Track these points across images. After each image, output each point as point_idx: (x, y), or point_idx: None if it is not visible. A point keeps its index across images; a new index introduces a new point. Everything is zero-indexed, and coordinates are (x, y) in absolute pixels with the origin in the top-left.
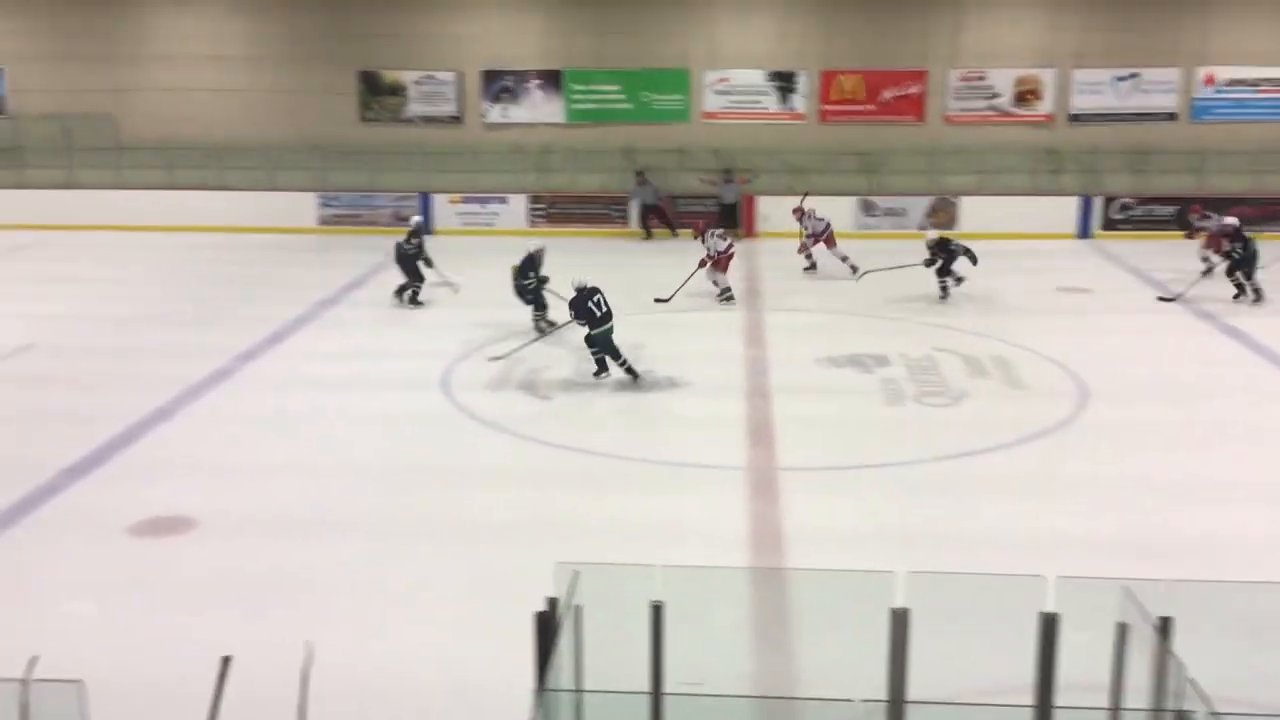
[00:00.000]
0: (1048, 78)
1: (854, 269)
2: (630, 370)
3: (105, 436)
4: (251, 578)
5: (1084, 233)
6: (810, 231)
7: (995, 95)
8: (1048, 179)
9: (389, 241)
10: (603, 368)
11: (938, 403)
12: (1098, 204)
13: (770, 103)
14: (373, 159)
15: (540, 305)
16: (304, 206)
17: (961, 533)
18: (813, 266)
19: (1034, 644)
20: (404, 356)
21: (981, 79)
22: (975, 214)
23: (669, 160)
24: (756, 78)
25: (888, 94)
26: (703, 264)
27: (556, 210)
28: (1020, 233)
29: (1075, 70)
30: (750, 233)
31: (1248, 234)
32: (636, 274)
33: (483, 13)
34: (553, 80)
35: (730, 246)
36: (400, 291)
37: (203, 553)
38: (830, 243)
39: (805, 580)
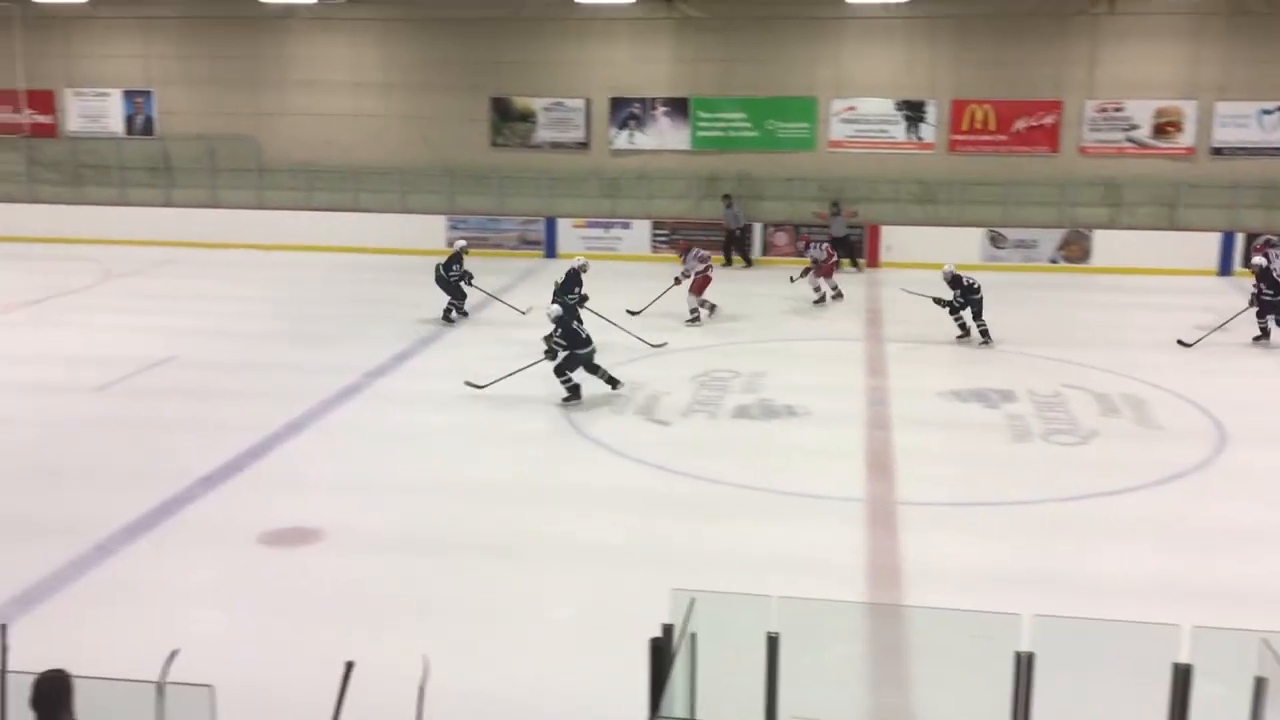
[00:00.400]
0: (1189, 110)
1: (840, 295)
2: (611, 380)
3: (239, 448)
4: (374, 591)
5: (1224, 269)
6: (811, 258)
7: (1133, 127)
8: (1186, 213)
9: (515, 264)
10: (575, 395)
11: (1066, 441)
12: (1239, 240)
13: (898, 132)
14: (501, 183)
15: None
16: (434, 229)
17: (1088, 577)
18: (822, 299)
19: (1166, 696)
20: (529, 375)
21: (1119, 110)
22: (1108, 248)
23: (794, 188)
24: (884, 106)
25: (1020, 124)
26: (677, 281)
27: (679, 236)
28: (1155, 268)
29: (1218, 103)
30: (873, 263)
31: None
32: (758, 302)
33: (612, 41)
34: (679, 107)
35: (708, 269)
36: (446, 314)
37: (329, 565)
38: (828, 273)
39: (925, 618)
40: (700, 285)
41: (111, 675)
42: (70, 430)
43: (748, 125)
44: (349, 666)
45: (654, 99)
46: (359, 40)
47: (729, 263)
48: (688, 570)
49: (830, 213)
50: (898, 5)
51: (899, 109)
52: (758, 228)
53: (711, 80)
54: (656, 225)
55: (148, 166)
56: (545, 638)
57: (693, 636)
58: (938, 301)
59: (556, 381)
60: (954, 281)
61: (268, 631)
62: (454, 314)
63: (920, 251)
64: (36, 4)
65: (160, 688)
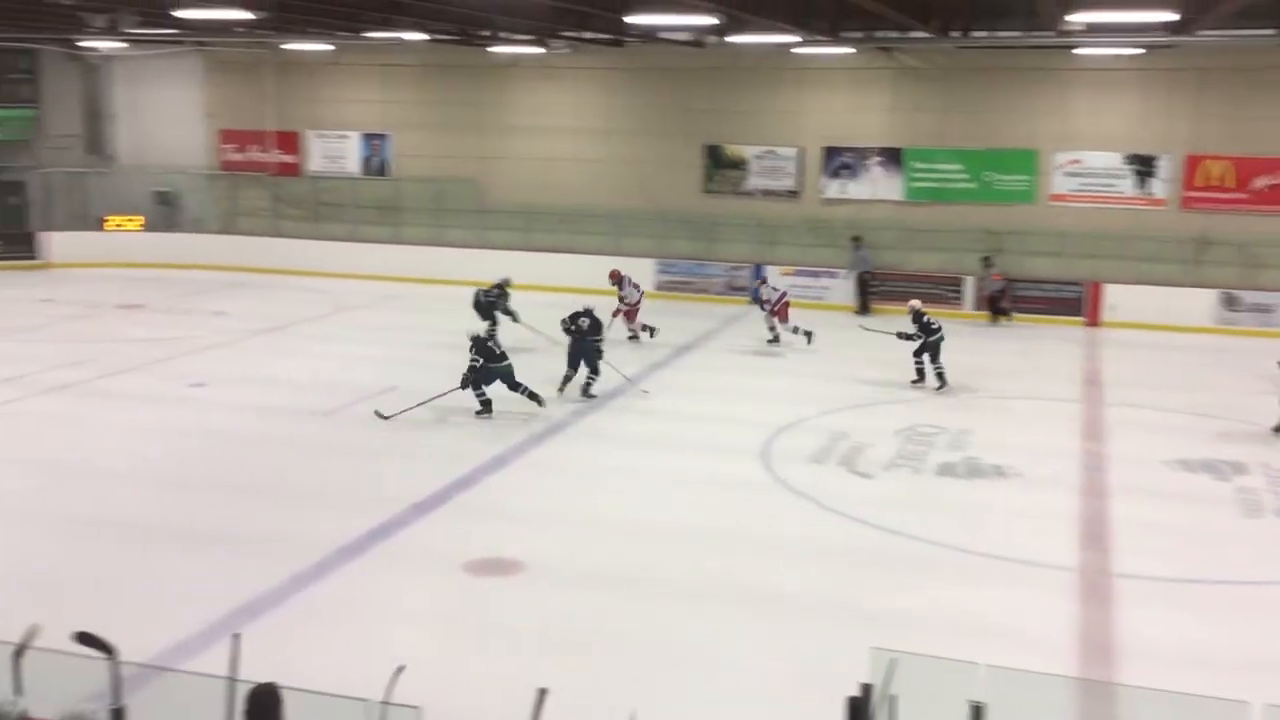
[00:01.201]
0: None
1: (808, 335)
2: (532, 395)
3: (448, 478)
4: (570, 626)
5: None
6: (764, 299)
7: None
8: None
9: (721, 310)
10: (486, 410)
11: None
12: None
13: (1126, 186)
14: (711, 229)
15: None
16: (643, 271)
17: None
18: (775, 340)
19: None
20: (727, 422)
21: None
22: None
23: (1011, 242)
24: (1112, 160)
25: (1261, 181)
26: (617, 313)
27: (888, 288)
28: None
29: None
30: (1095, 321)
31: None
32: (978, 358)
33: (828, 90)
34: (893, 158)
35: (640, 299)
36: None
37: (528, 596)
38: (783, 315)
39: (1142, 699)
40: (633, 314)
41: (321, 689)
42: (297, 452)
43: (964, 177)
44: (542, 694)
45: (868, 148)
46: (580, 88)
47: (995, 319)
48: (883, 628)
49: (983, 266)
50: (1131, 57)
51: (1128, 163)
52: (968, 280)
53: (928, 130)
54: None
55: (380, 205)
56: (737, 686)
57: (892, 699)
58: (901, 336)
59: (753, 429)
60: (915, 317)
61: (468, 657)
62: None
63: (1146, 311)
64: (287, 51)
65: (378, 706)
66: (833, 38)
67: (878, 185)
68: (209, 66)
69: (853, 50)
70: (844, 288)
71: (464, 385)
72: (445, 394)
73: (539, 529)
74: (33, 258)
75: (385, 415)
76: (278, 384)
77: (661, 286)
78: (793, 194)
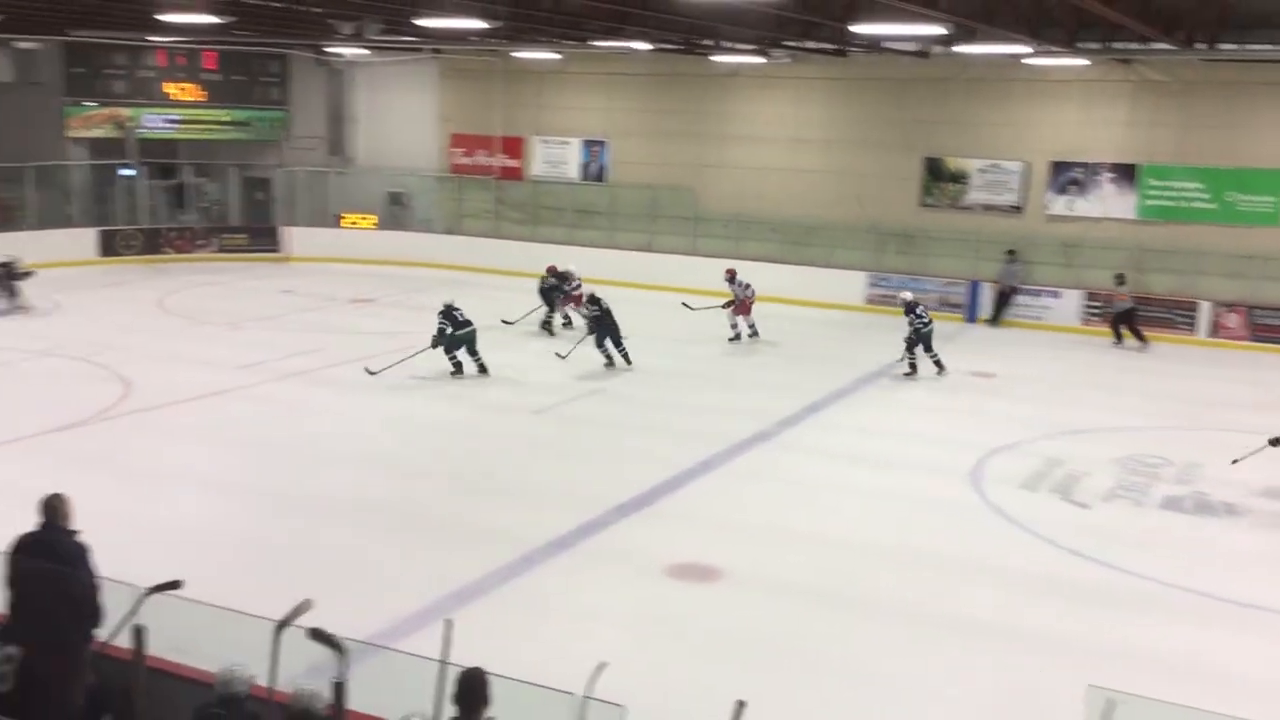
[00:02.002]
0: None
1: (753, 334)
2: (482, 367)
3: (652, 481)
4: (767, 637)
5: None
6: (735, 297)
7: None
8: None
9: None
10: (458, 371)
11: None
12: None
13: None
14: (926, 243)
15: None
16: (854, 284)
17: None
18: (736, 338)
19: None
20: (935, 441)
21: None
22: None
23: (1250, 267)
24: None
25: None
26: (727, 306)
27: (1110, 310)
28: None
29: None
30: None
31: None
32: (1193, 386)
33: (1059, 103)
34: (1126, 174)
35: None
36: (545, 324)
37: (728, 605)
38: (745, 311)
39: None
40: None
41: (521, 678)
42: (508, 447)
43: (1204, 196)
44: (740, 706)
45: (1099, 164)
46: (800, 98)
47: (1119, 339)
48: (1095, 665)
49: (1116, 284)
50: None
51: None
52: (1204, 306)
53: (1165, 146)
54: (1090, 296)
55: (596, 211)
56: (932, 714)
57: None
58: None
59: (962, 449)
60: (908, 308)
61: (666, 660)
62: (551, 326)
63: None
64: (517, 59)
65: (581, 700)
66: (1068, 48)
67: (1108, 202)
68: (443, 73)
69: (1087, 62)
70: (1066, 307)
71: (434, 345)
72: (420, 352)
73: (741, 538)
74: (275, 251)
75: (373, 371)
76: (493, 380)
77: (872, 300)
78: (1016, 209)
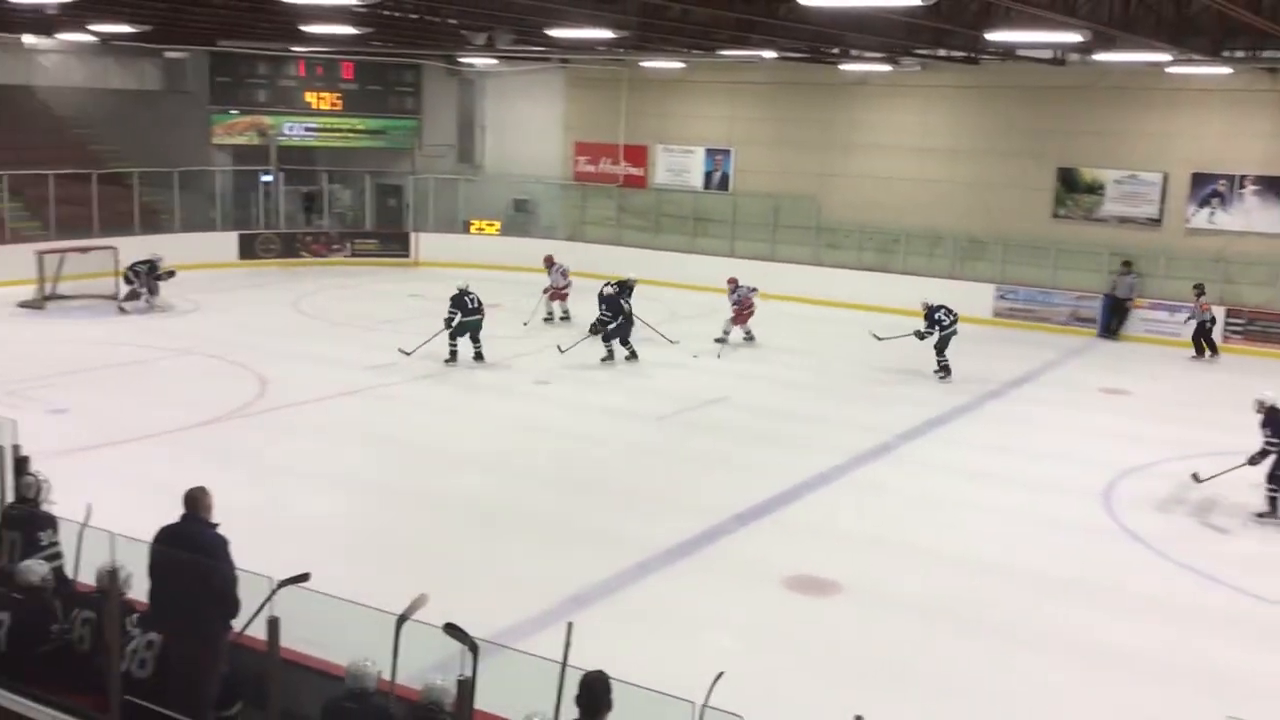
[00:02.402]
0: None
1: (723, 340)
2: (479, 355)
3: (771, 491)
4: (889, 656)
5: None
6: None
7: None
8: None
9: (1062, 341)
10: (452, 359)
11: None
12: None
13: None
14: (1057, 255)
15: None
16: (981, 297)
17: None
18: (724, 340)
19: None
20: (1064, 459)
21: None
22: None
23: None
24: None
25: None
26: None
27: (1255, 328)
28: None
29: None
30: None
31: None
32: None
33: (1201, 113)
34: (1272, 186)
35: (568, 285)
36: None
37: (847, 619)
38: (742, 320)
39: None
40: (564, 295)
41: (639, 684)
42: (629, 453)
43: None
44: (718, 676)
45: (1243, 176)
46: (928, 106)
47: (1200, 353)
48: (1236, 698)
49: (1195, 296)
50: None
51: None
52: None
53: None
54: (1231, 313)
55: (717, 219)
56: None
57: None
58: (918, 335)
59: (1093, 468)
60: (928, 313)
61: (782, 672)
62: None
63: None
64: (642, 68)
65: (700, 709)
66: (1212, 57)
67: (1252, 216)
68: (569, 82)
69: (1231, 70)
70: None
71: (447, 327)
72: (438, 335)
73: (861, 551)
74: (405, 256)
75: (407, 351)
76: (614, 386)
77: (999, 313)
78: (1154, 222)
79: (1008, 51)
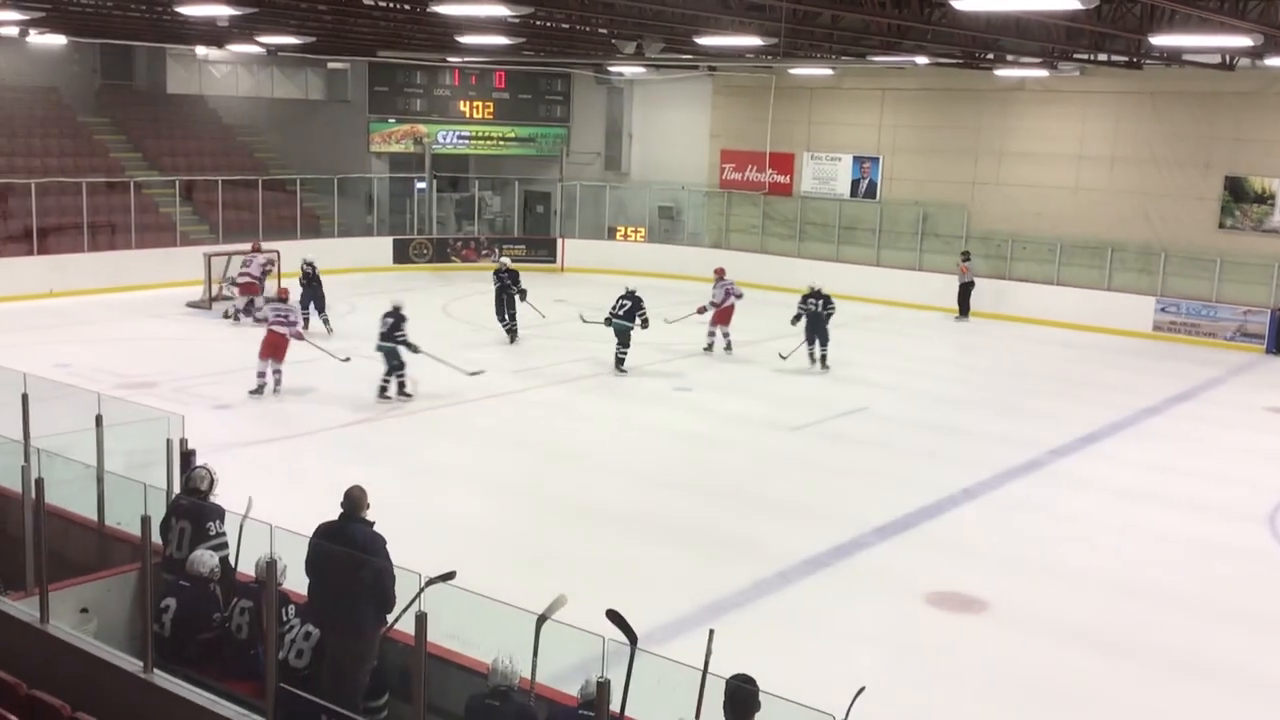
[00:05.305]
0: None
1: (707, 345)
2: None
3: (914, 504)
4: (1040, 679)
5: None
6: (711, 302)
7: None
8: None
9: (1228, 357)
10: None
11: None
12: None
13: None
14: (1223, 268)
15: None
16: (1140, 310)
17: None
18: (709, 348)
19: None
20: (1227, 481)
21: None
22: None
23: None
24: None
25: None
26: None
27: None
28: None
29: None
30: None
31: None
32: None
33: None
34: None
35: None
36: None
37: (993, 639)
38: (724, 320)
39: None
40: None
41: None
42: (768, 462)
43: None
44: (710, 633)
45: None
46: (1087, 113)
47: None
48: None
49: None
50: None
51: None
52: None
53: None
54: None
55: (863, 228)
56: None
57: None
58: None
59: (1256, 491)
60: (815, 295)
61: (923, 689)
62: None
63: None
64: (789, 76)
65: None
66: None
67: None
68: (716, 90)
69: None
70: None
71: (606, 323)
72: (594, 323)
73: (1007, 569)
74: (552, 261)
75: (587, 320)
76: (754, 394)
77: (1159, 327)
78: None
79: (1173, 56)
